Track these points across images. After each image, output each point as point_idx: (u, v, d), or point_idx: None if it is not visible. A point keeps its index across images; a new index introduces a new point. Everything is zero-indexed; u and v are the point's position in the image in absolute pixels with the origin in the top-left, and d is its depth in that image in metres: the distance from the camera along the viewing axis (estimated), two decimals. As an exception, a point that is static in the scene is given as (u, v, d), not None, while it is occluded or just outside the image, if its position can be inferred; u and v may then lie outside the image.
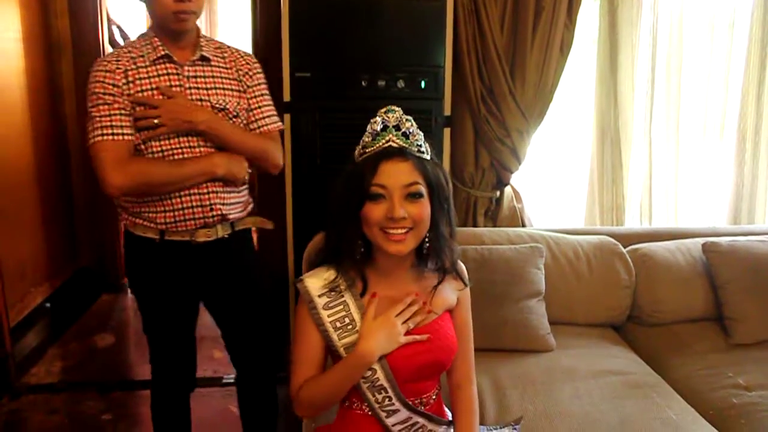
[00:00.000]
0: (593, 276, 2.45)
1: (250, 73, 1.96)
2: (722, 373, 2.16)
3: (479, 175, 2.80)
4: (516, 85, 2.67)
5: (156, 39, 1.83)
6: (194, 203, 1.84)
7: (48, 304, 3.81)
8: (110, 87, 1.76)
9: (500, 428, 1.73)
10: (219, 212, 1.88)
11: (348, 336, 1.41)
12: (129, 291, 4.20)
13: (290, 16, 2.46)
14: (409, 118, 1.41)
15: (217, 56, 1.91)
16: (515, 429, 1.74)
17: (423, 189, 1.37)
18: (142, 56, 1.82)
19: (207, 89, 1.86)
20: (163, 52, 1.82)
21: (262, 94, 1.97)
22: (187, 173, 1.78)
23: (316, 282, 1.44)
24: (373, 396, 1.42)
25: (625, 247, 2.53)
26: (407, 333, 1.41)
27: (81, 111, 4.07)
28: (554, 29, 2.64)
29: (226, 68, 1.92)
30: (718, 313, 2.45)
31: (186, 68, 1.84)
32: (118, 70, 1.77)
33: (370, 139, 1.40)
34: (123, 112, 1.76)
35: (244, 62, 1.96)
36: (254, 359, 2.12)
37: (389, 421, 1.44)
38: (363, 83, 2.52)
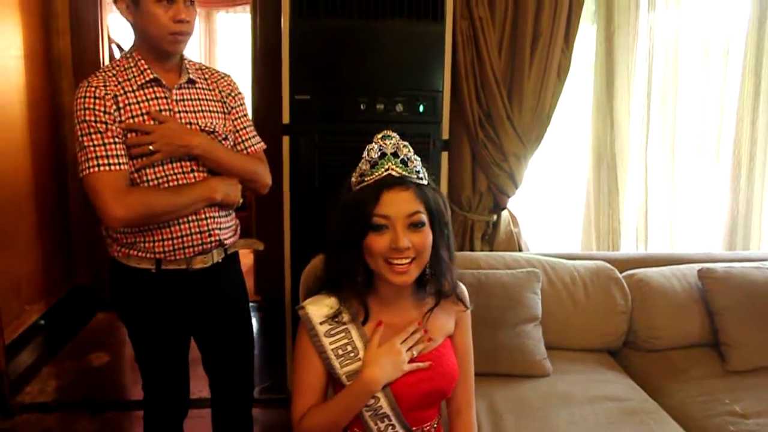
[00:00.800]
0: (590, 301, 2.45)
1: (233, 94, 1.94)
2: (719, 399, 2.15)
3: (476, 199, 2.81)
4: (513, 109, 2.69)
5: (143, 62, 1.78)
6: (193, 230, 1.81)
7: (43, 322, 3.78)
8: (101, 114, 1.69)
9: None
10: (216, 237, 1.86)
11: (350, 364, 1.40)
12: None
13: (290, 38, 2.48)
14: (406, 144, 1.41)
15: (200, 78, 1.89)
16: None
17: (424, 217, 1.37)
18: (129, 80, 1.76)
19: (195, 112, 1.83)
20: (151, 76, 1.77)
21: (245, 115, 1.96)
22: (187, 200, 1.75)
23: (317, 309, 1.43)
24: (375, 425, 1.41)
25: (621, 272, 2.53)
26: (410, 361, 1.41)
27: (80, 129, 4.08)
28: (551, 54, 2.66)
29: (210, 90, 1.90)
30: (714, 340, 2.45)
31: (174, 92, 1.81)
32: (107, 96, 1.71)
33: (368, 167, 1.39)
34: (116, 140, 1.70)
35: (225, 83, 1.94)
36: (235, 383, 2.09)
37: None
38: (362, 106, 2.54)
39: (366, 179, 1.38)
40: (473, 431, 1.56)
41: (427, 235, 1.37)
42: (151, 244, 1.79)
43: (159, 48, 1.77)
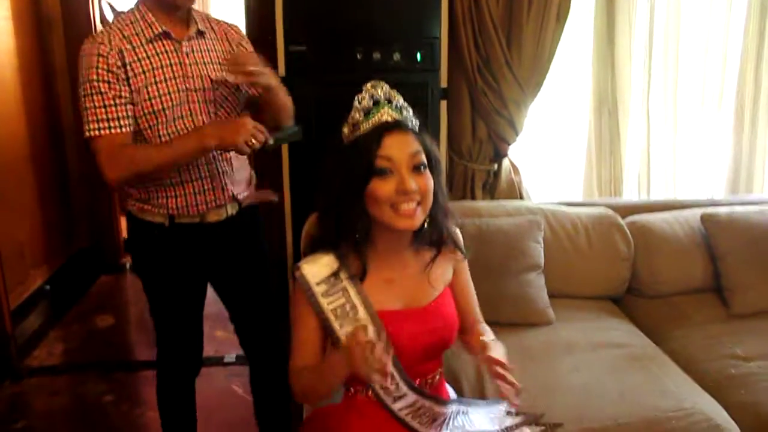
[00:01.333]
0: (592, 248, 2.44)
1: (243, 42, 1.91)
2: (721, 343, 2.16)
3: (477, 148, 2.77)
4: (512, 55, 2.64)
5: (150, 15, 1.73)
6: (205, 187, 1.79)
7: (48, 286, 3.80)
8: (104, 73, 1.66)
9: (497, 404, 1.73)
10: (230, 192, 1.84)
11: (349, 325, 1.36)
12: (128, 271, 4.20)
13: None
14: (396, 92, 1.38)
15: (208, 29, 1.85)
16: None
17: (425, 158, 1.35)
18: (136, 35, 1.71)
19: (206, 64, 1.80)
20: (160, 30, 1.72)
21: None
22: (176, 152, 1.68)
23: (314, 269, 1.38)
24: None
25: (623, 219, 2.52)
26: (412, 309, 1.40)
27: (74, 89, 4.02)
28: (550, -2, 2.59)
29: (219, 40, 1.87)
30: (716, 284, 2.45)
31: (184, 44, 1.76)
32: (111, 53, 1.67)
33: (361, 116, 1.35)
34: (117, 100, 1.67)
35: (234, 32, 1.91)
36: (265, 340, 2.08)
37: (396, 406, 1.41)
38: (358, 56, 2.49)
39: (361, 128, 1.35)
40: (488, 334, 1.55)
41: (430, 178, 1.35)
42: (164, 200, 1.79)
43: (167, 0, 1.72)
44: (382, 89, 1.37)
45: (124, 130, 1.68)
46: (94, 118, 1.66)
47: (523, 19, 2.60)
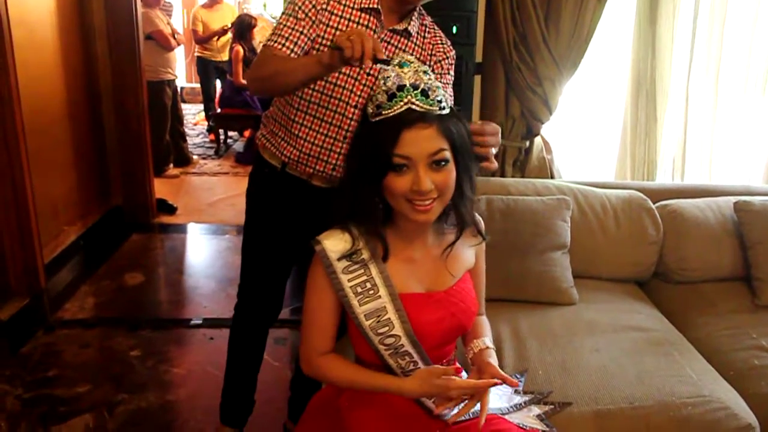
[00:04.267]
0: (620, 231, 2.42)
1: (442, 63, 1.83)
2: (746, 333, 2.13)
3: (509, 124, 2.76)
4: (550, 32, 2.60)
5: None
6: (313, 152, 1.79)
7: (81, 242, 3.90)
8: (308, 6, 1.70)
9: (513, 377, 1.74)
10: (334, 162, 1.80)
11: (370, 301, 1.35)
12: (158, 231, 4.29)
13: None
14: (426, 69, 1.31)
15: (419, 34, 1.80)
16: (520, 379, 1.76)
17: (448, 154, 1.28)
18: None
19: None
20: (375, 5, 1.71)
21: (448, 83, 1.85)
22: (296, 64, 1.61)
23: (334, 244, 1.36)
24: (396, 362, 1.39)
25: (654, 203, 2.49)
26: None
27: (112, 50, 4.09)
28: (593, -26, 2.54)
29: (422, 49, 1.80)
30: (746, 274, 2.41)
31: (386, 32, 1.73)
32: None
33: (385, 98, 1.28)
34: (301, 32, 1.69)
35: (440, 50, 1.83)
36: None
37: None
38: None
39: (384, 112, 1.28)
40: (485, 324, 1.57)
41: (451, 173, 1.30)
42: (280, 146, 1.84)
43: None
44: (410, 69, 1.29)
45: (284, 50, 1.68)
46: (278, 32, 1.70)
47: (563, -5, 2.56)
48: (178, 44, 5.44)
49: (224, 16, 6.48)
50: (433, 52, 1.82)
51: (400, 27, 1.75)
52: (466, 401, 1.34)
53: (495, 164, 1.44)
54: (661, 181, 3.02)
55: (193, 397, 2.54)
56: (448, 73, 1.85)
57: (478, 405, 1.34)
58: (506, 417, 1.50)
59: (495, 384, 1.34)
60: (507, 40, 2.61)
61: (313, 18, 1.70)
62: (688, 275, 2.45)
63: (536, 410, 1.63)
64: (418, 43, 1.79)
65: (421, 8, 1.81)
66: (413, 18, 1.77)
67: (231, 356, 2.16)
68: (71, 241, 3.81)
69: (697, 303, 2.35)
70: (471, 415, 1.39)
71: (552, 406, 1.70)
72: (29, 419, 2.38)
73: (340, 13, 1.71)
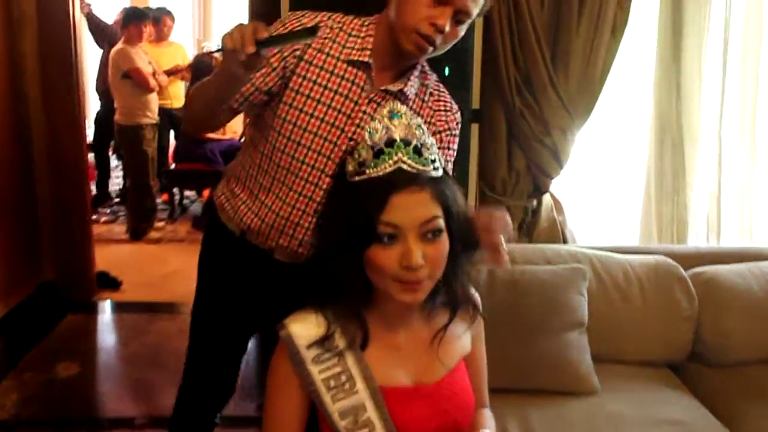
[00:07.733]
0: (647, 304, 2.43)
1: (441, 135, 1.78)
2: (804, 426, 2.12)
3: (513, 181, 2.79)
4: (558, 73, 2.66)
5: (370, 39, 1.69)
6: (276, 224, 1.78)
7: (2, 325, 3.84)
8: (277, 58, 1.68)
9: None
10: (300, 237, 1.79)
11: (345, 398, 1.32)
12: (99, 311, 4.24)
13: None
14: (419, 122, 1.30)
15: (417, 97, 1.76)
16: None
17: (442, 222, 1.27)
18: (342, 46, 1.69)
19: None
20: (365, 58, 1.67)
21: (450, 149, 1.82)
22: (207, 81, 1.65)
23: (303, 329, 1.33)
24: None
25: (686, 270, 2.51)
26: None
27: (46, 95, 4.10)
28: (605, 6, 2.63)
29: (420, 115, 1.74)
30: (800, 353, 2.42)
31: (377, 92, 1.69)
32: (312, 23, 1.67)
33: (370, 155, 1.27)
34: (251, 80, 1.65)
35: (442, 119, 1.79)
36: None
37: None
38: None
39: (368, 171, 1.26)
40: (488, 414, 1.54)
41: (444, 245, 1.28)
42: (239, 210, 1.83)
43: (396, 39, 1.64)
44: (400, 121, 1.28)
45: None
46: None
47: (572, 30, 2.64)
48: (160, 86, 5.70)
49: (174, 56, 6.60)
50: (432, 121, 1.78)
51: (393, 87, 1.70)
52: None
53: (506, 256, 1.42)
54: (694, 244, 3.05)
55: None
56: (449, 148, 1.81)
57: None
58: None
59: None
60: (508, 83, 2.67)
61: (278, 69, 1.67)
62: (731, 356, 2.45)
63: None
64: (415, 108, 1.76)
65: (425, 64, 1.78)
66: (411, 77, 1.73)
67: None
68: (-8, 323, 3.75)
69: (745, 390, 2.35)
70: None
71: None
72: None
73: (321, 65, 1.69)
